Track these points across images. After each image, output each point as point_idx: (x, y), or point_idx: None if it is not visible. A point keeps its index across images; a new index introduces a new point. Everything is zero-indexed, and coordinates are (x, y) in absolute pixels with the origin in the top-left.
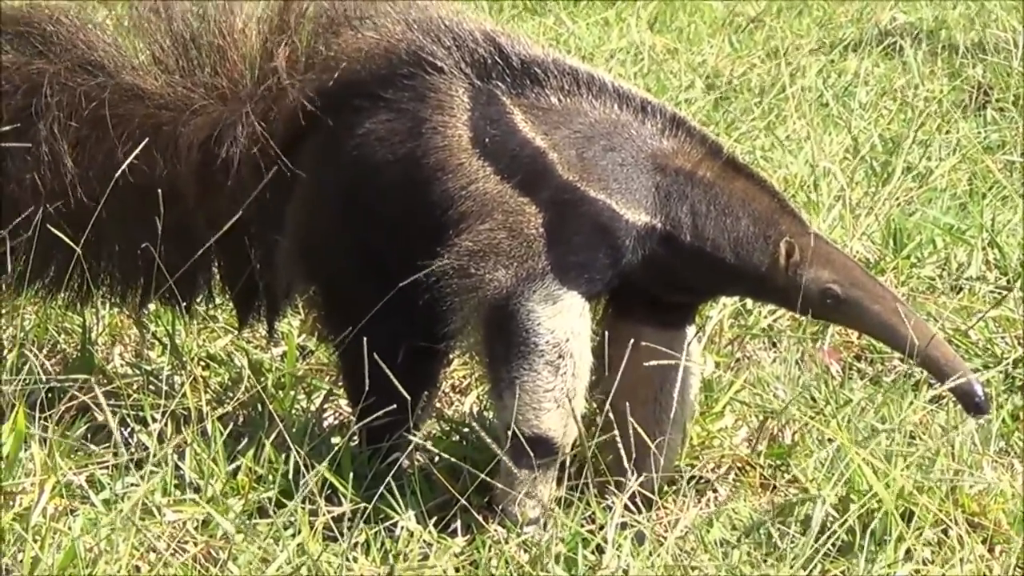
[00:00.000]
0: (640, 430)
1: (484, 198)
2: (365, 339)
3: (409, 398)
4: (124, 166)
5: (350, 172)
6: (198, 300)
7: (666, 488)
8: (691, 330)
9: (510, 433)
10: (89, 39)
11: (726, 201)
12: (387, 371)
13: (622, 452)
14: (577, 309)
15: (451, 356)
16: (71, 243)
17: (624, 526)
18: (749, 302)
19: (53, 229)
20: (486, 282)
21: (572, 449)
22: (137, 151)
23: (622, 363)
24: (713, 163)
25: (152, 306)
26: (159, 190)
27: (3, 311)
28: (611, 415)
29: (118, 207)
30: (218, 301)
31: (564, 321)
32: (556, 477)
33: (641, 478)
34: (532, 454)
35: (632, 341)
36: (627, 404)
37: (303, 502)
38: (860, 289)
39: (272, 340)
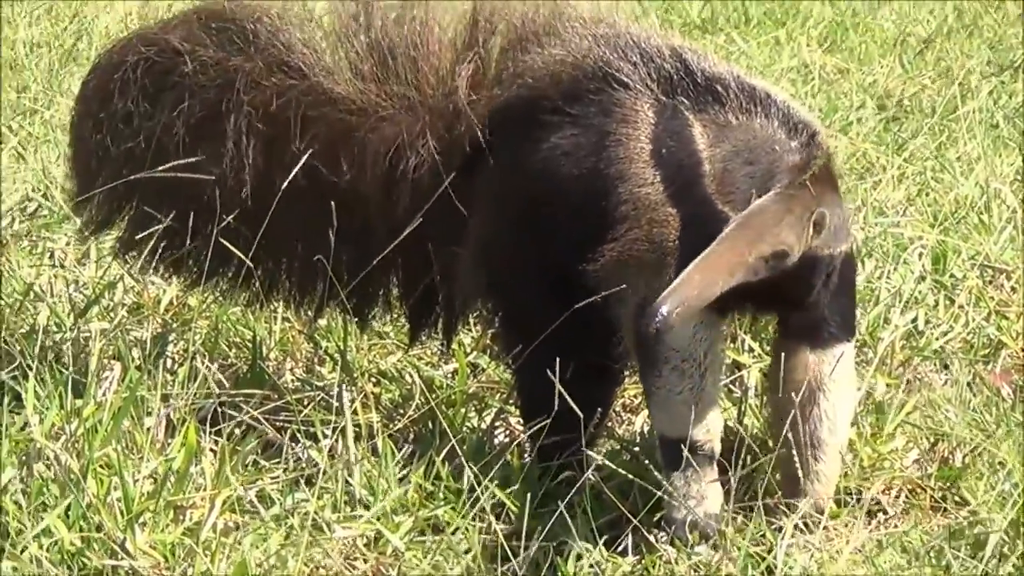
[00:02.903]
0: (793, 450)
1: (642, 203)
2: (540, 356)
3: (582, 416)
4: (299, 166)
5: (535, 186)
6: (373, 313)
7: (835, 509)
8: (844, 348)
9: (658, 441)
10: (288, 40)
11: None
12: (563, 389)
13: (797, 472)
14: (697, 318)
15: (624, 374)
16: (234, 248)
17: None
18: (921, 323)
19: (220, 234)
20: (627, 293)
21: (743, 469)
22: (307, 154)
23: (784, 382)
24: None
25: (323, 321)
26: (342, 196)
27: (175, 324)
28: (776, 434)
29: (300, 210)
30: (391, 316)
31: (686, 329)
32: (718, 482)
33: (811, 500)
34: (680, 457)
35: (788, 360)
36: (786, 423)
37: (474, 519)
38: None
39: (447, 355)
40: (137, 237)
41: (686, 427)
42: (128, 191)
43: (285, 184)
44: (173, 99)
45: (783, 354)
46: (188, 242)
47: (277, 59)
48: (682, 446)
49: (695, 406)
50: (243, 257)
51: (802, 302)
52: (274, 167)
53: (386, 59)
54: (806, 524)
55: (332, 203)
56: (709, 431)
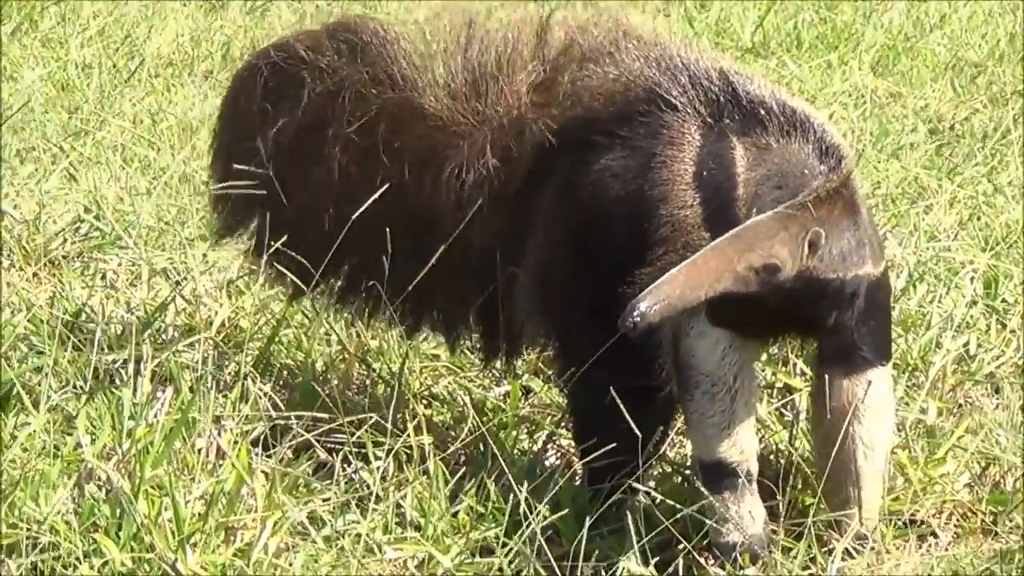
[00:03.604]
0: (832, 476)
1: (680, 226)
2: (593, 379)
3: (632, 440)
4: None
5: (585, 207)
6: (461, 333)
7: (885, 531)
8: (877, 372)
9: (697, 464)
10: (394, 53)
11: None
12: (616, 412)
13: (839, 497)
14: (725, 343)
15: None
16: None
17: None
18: (972, 348)
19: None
20: None
21: (792, 492)
22: (394, 166)
23: (821, 408)
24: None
25: (375, 342)
26: (425, 211)
27: (227, 346)
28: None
29: (389, 224)
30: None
31: (715, 354)
32: (759, 503)
33: (855, 525)
34: (718, 480)
35: (824, 385)
36: (826, 449)
37: (524, 542)
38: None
39: (510, 375)
40: (231, 238)
41: (719, 450)
42: (250, 196)
43: (378, 197)
44: (290, 104)
45: (820, 379)
46: (290, 251)
47: (383, 71)
48: (718, 468)
49: (727, 429)
50: (291, 279)
51: (820, 326)
52: (367, 177)
53: (476, 79)
54: (855, 548)
55: (416, 219)
56: (743, 452)
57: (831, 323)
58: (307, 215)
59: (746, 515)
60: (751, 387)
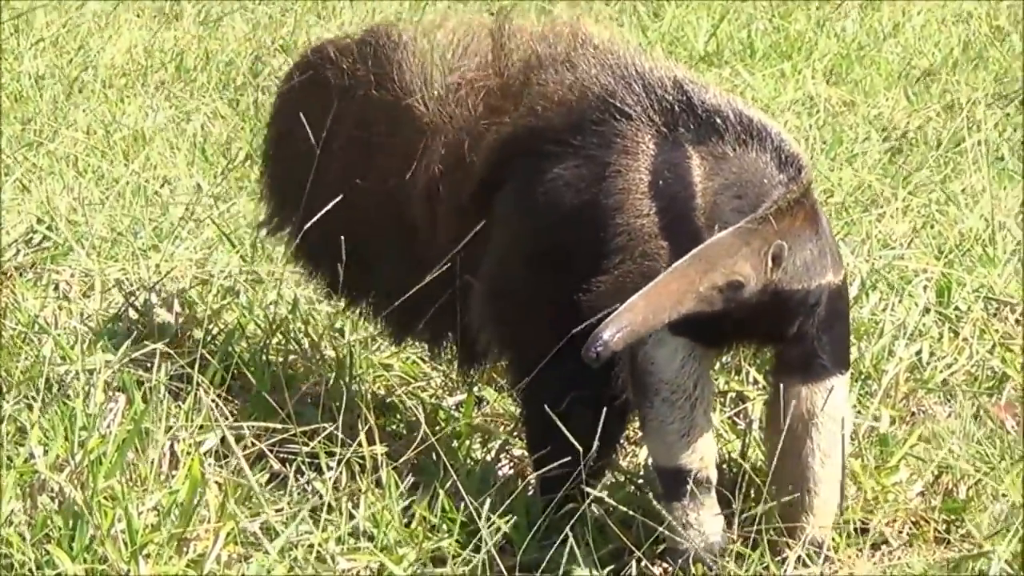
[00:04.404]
0: (788, 484)
1: (636, 235)
2: (545, 387)
3: (585, 449)
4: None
5: (539, 217)
6: (444, 343)
7: (837, 540)
8: (836, 380)
9: (654, 471)
10: (400, 59)
11: None
12: (568, 421)
13: (793, 505)
14: (685, 351)
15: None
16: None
17: None
18: (925, 356)
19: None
20: None
21: (745, 501)
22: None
23: (779, 416)
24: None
25: (331, 352)
26: (407, 216)
27: (180, 356)
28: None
29: (384, 227)
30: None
31: (674, 363)
32: (718, 510)
33: (809, 533)
34: (677, 487)
35: (782, 393)
36: (783, 457)
37: (477, 552)
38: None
39: (468, 384)
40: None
41: (679, 457)
42: (286, 192)
43: (371, 200)
44: (316, 103)
45: (777, 387)
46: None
47: (388, 74)
48: (677, 475)
49: (687, 436)
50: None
51: (783, 335)
52: (365, 178)
53: (457, 84)
54: (809, 556)
55: (402, 221)
56: (703, 459)
57: (793, 332)
58: (320, 212)
59: (705, 522)
60: (709, 395)
